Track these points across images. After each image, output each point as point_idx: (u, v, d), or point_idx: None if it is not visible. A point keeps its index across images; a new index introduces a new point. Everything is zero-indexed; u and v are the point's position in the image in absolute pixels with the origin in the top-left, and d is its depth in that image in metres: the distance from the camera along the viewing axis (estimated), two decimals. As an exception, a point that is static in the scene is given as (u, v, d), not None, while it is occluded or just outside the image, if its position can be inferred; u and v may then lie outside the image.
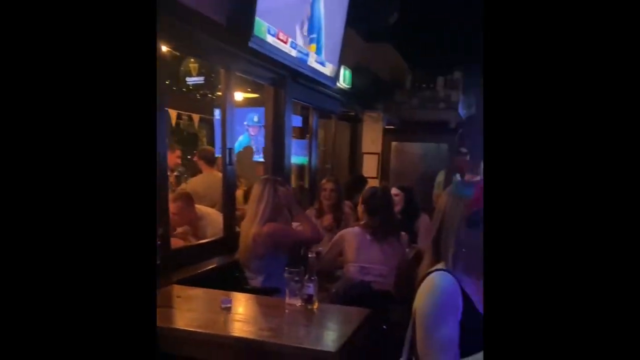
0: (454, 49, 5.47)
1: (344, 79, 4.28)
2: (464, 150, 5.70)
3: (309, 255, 1.98)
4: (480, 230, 1.12)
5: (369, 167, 5.85)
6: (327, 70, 3.60)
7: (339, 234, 2.67)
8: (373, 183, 4.87)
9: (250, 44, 2.51)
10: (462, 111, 5.91)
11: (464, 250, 1.14)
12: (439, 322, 1.07)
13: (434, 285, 1.12)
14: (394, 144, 6.17)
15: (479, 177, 1.16)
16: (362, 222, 2.61)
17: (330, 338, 1.78)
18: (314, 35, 3.27)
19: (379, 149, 5.89)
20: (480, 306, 1.13)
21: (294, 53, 3.02)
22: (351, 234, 2.58)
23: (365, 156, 5.88)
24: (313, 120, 4.21)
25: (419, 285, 1.17)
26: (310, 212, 3.30)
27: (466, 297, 1.11)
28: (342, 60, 3.89)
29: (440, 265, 1.16)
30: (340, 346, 1.68)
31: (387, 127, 5.94)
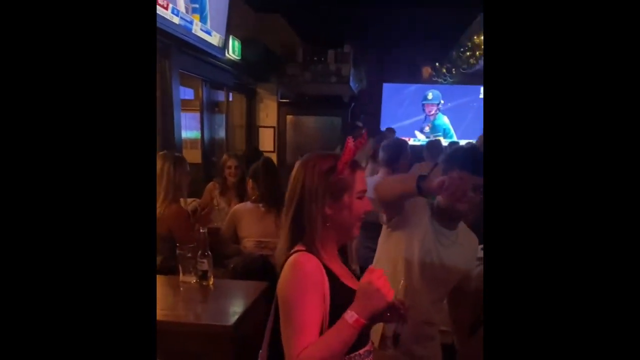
0: (343, 22, 5.56)
1: (234, 50, 4.14)
2: (359, 124, 5.90)
3: (201, 231, 1.91)
4: (344, 205, 1.07)
5: (266, 140, 5.81)
6: (214, 40, 3.45)
7: (232, 209, 2.62)
8: (270, 157, 4.85)
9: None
10: (353, 85, 6.08)
11: (328, 224, 1.09)
12: (300, 304, 1.00)
13: (295, 269, 1.04)
14: (289, 117, 6.16)
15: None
16: (252, 197, 2.59)
17: (227, 313, 1.76)
18: (196, 5, 3.09)
19: (274, 123, 5.86)
20: (346, 280, 1.11)
21: (176, 20, 2.83)
22: (244, 209, 2.55)
23: (261, 129, 5.82)
24: (203, 92, 4.04)
25: (281, 268, 1.09)
26: (214, 186, 3.22)
27: (331, 274, 1.06)
28: (231, 30, 3.75)
29: (300, 245, 1.09)
30: (237, 320, 1.67)
31: (281, 100, 5.91)
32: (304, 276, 1.02)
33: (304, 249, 1.07)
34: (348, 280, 1.12)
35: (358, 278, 1.15)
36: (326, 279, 1.04)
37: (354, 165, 1.10)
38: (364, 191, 1.12)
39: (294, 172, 1.12)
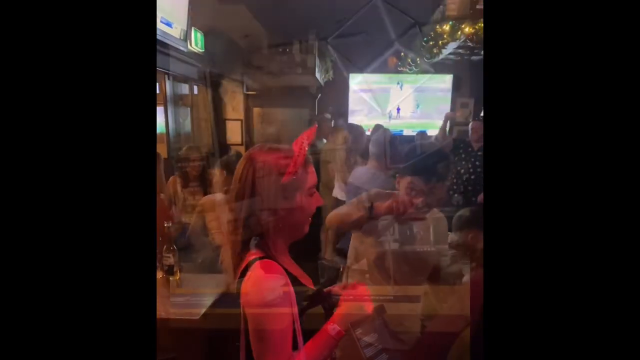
0: (308, 12, 5.52)
1: (197, 42, 4.07)
2: (327, 115, 5.91)
3: (165, 225, 1.90)
4: (296, 204, 1.02)
5: (233, 133, 5.74)
6: (176, 32, 3.38)
7: (200, 202, 2.63)
8: (239, 150, 4.81)
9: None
10: (319, 76, 6.07)
11: (280, 225, 1.03)
12: (271, 320, 0.95)
13: (260, 282, 0.97)
14: (256, 109, 6.10)
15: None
16: (225, 189, 2.59)
17: (194, 306, 1.76)
18: (157, -7, 3.02)
19: (241, 115, 5.80)
20: (302, 278, 1.08)
21: (135, 12, 2.76)
22: (212, 201, 2.56)
23: (228, 122, 5.75)
24: (166, 85, 3.96)
25: (236, 271, 1.02)
26: (175, 180, 3.21)
27: (292, 277, 1.02)
28: (192, 22, 3.68)
29: (255, 250, 1.02)
30: (205, 313, 1.68)
31: (247, 92, 5.85)
32: (271, 289, 0.97)
33: (261, 255, 1.02)
34: (303, 278, 1.10)
35: (334, 269, 1.15)
36: (290, 285, 1.00)
37: (305, 162, 1.05)
38: (315, 186, 1.08)
39: (240, 169, 1.04)
